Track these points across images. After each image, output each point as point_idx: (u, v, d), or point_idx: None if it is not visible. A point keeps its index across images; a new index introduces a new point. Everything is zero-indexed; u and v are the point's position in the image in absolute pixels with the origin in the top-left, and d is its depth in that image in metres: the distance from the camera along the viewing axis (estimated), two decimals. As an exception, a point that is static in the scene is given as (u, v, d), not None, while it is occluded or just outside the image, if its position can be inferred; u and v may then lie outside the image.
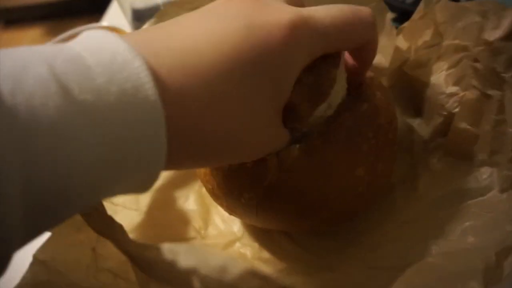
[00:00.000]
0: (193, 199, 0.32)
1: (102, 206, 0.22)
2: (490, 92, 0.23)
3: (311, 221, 0.25)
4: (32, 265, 0.22)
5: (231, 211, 0.26)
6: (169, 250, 0.23)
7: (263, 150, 0.21)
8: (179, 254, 0.24)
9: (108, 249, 0.23)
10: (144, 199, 0.32)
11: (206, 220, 0.31)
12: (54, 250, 0.23)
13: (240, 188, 0.24)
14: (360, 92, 0.24)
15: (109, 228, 0.22)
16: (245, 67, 0.17)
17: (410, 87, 0.30)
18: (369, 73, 0.26)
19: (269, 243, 0.28)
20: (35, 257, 0.22)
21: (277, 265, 0.27)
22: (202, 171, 0.27)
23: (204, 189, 0.29)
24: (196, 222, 0.31)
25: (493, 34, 0.22)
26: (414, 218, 0.25)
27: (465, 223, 0.23)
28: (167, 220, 0.31)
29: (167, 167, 0.17)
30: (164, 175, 0.33)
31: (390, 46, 0.29)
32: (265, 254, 0.28)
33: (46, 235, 0.23)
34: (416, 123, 0.30)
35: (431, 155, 0.28)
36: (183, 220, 0.31)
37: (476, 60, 0.24)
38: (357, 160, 0.23)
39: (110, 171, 0.14)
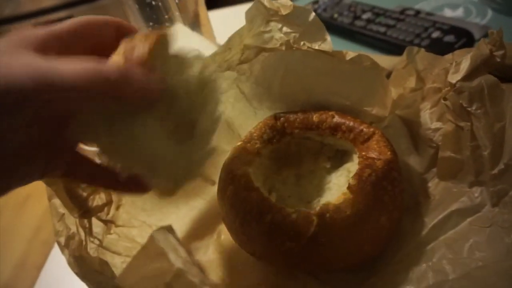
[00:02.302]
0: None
1: None
2: (461, 124, 0.27)
3: (343, 265, 0.28)
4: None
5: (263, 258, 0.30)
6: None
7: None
8: None
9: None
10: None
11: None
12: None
13: (283, 238, 0.27)
14: (369, 147, 0.30)
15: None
16: None
17: (403, 126, 0.34)
18: (375, 131, 0.31)
19: (293, 284, 0.30)
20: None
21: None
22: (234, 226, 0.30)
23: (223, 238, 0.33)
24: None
25: (454, 77, 0.27)
26: (423, 242, 0.28)
27: (470, 240, 0.26)
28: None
29: None
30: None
31: (387, 98, 0.34)
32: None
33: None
34: (411, 159, 0.33)
35: (428, 183, 0.31)
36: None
37: (445, 99, 0.28)
38: (381, 211, 0.27)
39: None
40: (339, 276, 0.29)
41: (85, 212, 0.31)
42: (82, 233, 0.30)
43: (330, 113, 0.35)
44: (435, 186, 0.31)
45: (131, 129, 0.22)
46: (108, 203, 0.33)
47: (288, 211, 0.28)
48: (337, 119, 0.34)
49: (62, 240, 0.28)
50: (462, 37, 0.46)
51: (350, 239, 0.27)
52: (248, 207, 0.30)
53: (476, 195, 0.27)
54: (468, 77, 0.26)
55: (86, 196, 0.31)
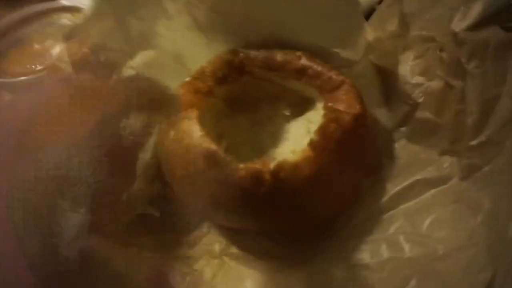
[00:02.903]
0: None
1: None
2: (453, 82, 0.24)
3: (295, 227, 0.26)
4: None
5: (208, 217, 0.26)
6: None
7: None
8: None
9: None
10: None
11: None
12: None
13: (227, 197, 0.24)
14: (337, 97, 0.25)
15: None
16: None
17: (376, 76, 0.30)
18: (345, 80, 0.27)
19: (238, 239, 0.27)
20: None
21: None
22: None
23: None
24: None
25: (459, 25, 0.22)
26: (381, 209, 0.25)
27: (431, 214, 0.24)
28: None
29: None
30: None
31: (361, 40, 0.29)
32: (234, 250, 0.27)
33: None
34: (380, 112, 0.30)
35: (394, 143, 0.29)
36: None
37: (441, 50, 0.24)
38: (344, 172, 0.24)
39: None
40: (290, 237, 0.27)
41: None
42: None
43: (297, 53, 0.30)
44: (401, 147, 0.28)
45: None
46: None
47: (236, 165, 0.24)
48: (304, 61, 0.29)
49: None
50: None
51: (306, 201, 0.24)
52: (191, 157, 0.25)
53: (445, 165, 0.25)
54: (475, 26, 0.21)
55: None
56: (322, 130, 0.24)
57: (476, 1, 0.22)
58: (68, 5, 0.43)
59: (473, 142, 0.22)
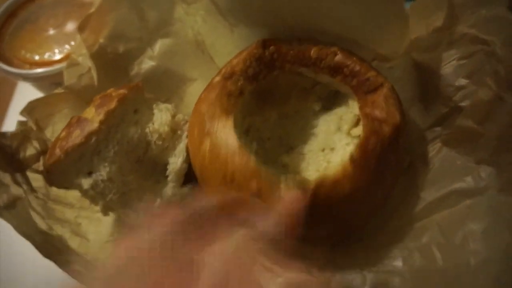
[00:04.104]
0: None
1: None
2: (505, 96, 0.22)
3: (330, 236, 0.26)
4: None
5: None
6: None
7: None
8: None
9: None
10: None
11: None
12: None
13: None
14: (375, 103, 0.24)
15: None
16: None
17: (414, 71, 0.28)
18: (384, 82, 0.25)
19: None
20: None
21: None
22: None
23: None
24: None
25: None
26: (414, 218, 0.25)
27: (466, 226, 0.23)
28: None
29: None
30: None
31: (403, 36, 0.26)
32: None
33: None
34: (413, 110, 0.29)
35: (429, 145, 0.28)
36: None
37: (499, 60, 0.22)
38: (380, 186, 0.24)
39: None
40: (325, 242, 0.27)
41: (17, 166, 0.24)
42: (21, 191, 0.24)
43: (332, 49, 0.27)
44: (436, 151, 0.27)
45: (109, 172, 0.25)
46: (43, 151, 0.26)
47: (276, 179, 0.24)
48: (339, 57, 0.27)
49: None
50: None
51: (344, 214, 0.25)
52: (229, 168, 0.24)
53: (482, 175, 0.24)
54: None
55: (15, 148, 0.24)
56: (363, 146, 0.23)
57: None
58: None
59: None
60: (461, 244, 0.23)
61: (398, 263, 0.25)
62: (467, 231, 0.24)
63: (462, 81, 0.25)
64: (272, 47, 0.28)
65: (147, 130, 0.27)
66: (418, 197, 0.26)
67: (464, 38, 0.25)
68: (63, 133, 0.25)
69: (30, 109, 0.27)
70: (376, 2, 0.25)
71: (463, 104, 0.25)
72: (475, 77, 0.24)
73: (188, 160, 0.28)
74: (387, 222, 0.26)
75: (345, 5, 0.26)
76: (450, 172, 0.26)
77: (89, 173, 0.25)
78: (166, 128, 0.27)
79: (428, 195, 0.26)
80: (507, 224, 0.22)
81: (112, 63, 0.32)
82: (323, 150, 0.30)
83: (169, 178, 0.27)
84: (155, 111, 0.28)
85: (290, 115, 0.32)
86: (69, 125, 0.25)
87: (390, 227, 0.26)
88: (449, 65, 0.26)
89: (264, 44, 0.28)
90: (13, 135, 0.25)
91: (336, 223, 0.25)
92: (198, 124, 0.26)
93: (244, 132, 0.30)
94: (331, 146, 0.29)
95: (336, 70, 0.27)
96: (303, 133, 0.31)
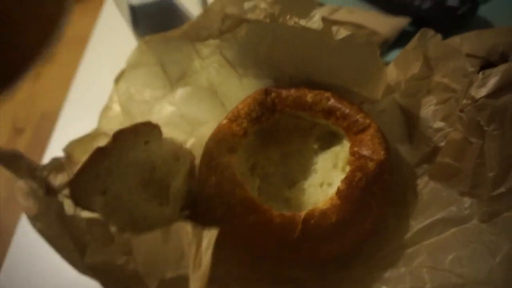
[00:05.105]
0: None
1: None
2: (472, 139, 0.25)
3: (321, 262, 0.29)
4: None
5: (242, 251, 0.29)
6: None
7: None
8: None
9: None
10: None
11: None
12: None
13: (264, 239, 0.27)
14: (362, 142, 0.28)
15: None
16: None
17: (400, 114, 0.32)
18: (371, 123, 0.29)
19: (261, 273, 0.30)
20: None
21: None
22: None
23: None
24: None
25: (479, 92, 0.24)
26: (405, 244, 0.28)
27: (453, 252, 0.26)
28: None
29: None
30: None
31: (381, 80, 0.31)
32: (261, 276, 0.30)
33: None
34: (404, 148, 0.32)
35: (418, 179, 0.31)
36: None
37: (461, 111, 0.26)
38: (366, 216, 0.27)
39: None
40: (315, 268, 0.29)
41: (49, 190, 0.28)
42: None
43: (326, 94, 0.32)
44: (424, 184, 0.30)
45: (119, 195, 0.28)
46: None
47: (273, 214, 0.27)
48: (332, 102, 0.32)
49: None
50: (467, 1, 0.41)
51: (332, 242, 0.27)
52: (231, 202, 0.28)
53: (466, 205, 0.27)
54: (494, 94, 0.23)
55: (47, 175, 0.28)
56: (348, 180, 0.27)
57: (494, 71, 0.23)
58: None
59: (493, 193, 0.24)
60: (448, 268, 0.25)
61: (390, 285, 0.26)
62: (454, 256, 0.26)
63: (440, 124, 0.28)
64: (273, 94, 0.33)
65: (154, 157, 0.31)
66: (408, 225, 0.29)
67: (439, 86, 0.29)
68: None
69: (69, 147, 0.32)
70: (356, 55, 0.30)
71: (441, 144, 0.28)
72: (449, 120, 0.28)
73: (187, 185, 0.31)
74: (381, 249, 0.29)
75: (332, 57, 0.31)
76: (437, 203, 0.28)
77: (104, 192, 0.28)
78: (170, 154, 0.31)
79: (418, 223, 0.28)
80: (489, 251, 0.25)
81: (137, 108, 0.37)
82: (321, 185, 0.33)
83: (170, 200, 0.31)
84: (163, 143, 0.32)
85: (292, 154, 0.35)
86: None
87: (382, 253, 0.28)
88: (429, 109, 0.29)
89: (266, 91, 0.33)
90: (46, 166, 0.28)
91: (326, 249, 0.27)
92: (206, 160, 0.30)
93: (250, 169, 0.33)
94: (329, 181, 0.33)
95: (329, 113, 0.32)
96: (304, 170, 0.34)
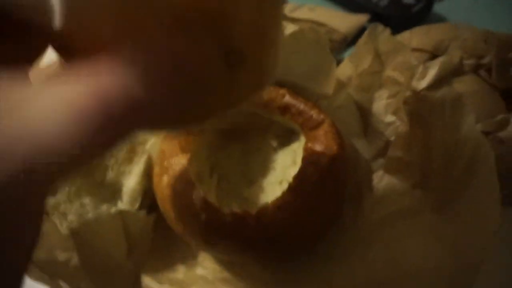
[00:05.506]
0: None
1: None
2: (416, 131, 0.26)
3: (275, 257, 0.28)
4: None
5: (202, 250, 0.29)
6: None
7: None
8: None
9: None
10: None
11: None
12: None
13: (217, 237, 0.26)
14: (316, 137, 0.27)
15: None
16: None
17: (355, 109, 0.32)
18: (325, 119, 0.29)
19: (230, 266, 0.30)
20: None
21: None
22: (171, 215, 0.28)
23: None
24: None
25: (420, 84, 0.25)
26: (362, 237, 0.28)
27: (405, 243, 0.26)
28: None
29: None
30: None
31: (331, 75, 0.31)
32: (226, 275, 0.29)
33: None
34: (360, 143, 0.32)
35: (373, 174, 0.31)
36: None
37: (405, 103, 0.26)
38: (320, 209, 0.27)
39: None
40: (276, 262, 0.29)
41: None
42: None
43: (281, 91, 0.32)
44: (379, 178, 0.30)
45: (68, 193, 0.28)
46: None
47: (224, 212, 0.27)
48: (287, 99, 0.31)
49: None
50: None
51: (288, 237, 0.27)
52: (183, 202, 0.27)
53: (417, 198, 0.27)
54: (434, 85, 0.24)
55: None
56: (299, 175, 0.26)
57: (432, 63, 0.24)
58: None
59: (440, 183, 0.25)
60: (401, 258, 0.26)
61: (346, 275, 0.27)
62: (406, 247, 0.26)
63: (391, 118, 0.29)
64: None
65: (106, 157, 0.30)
66: (364, 218, 0.29)
67: (389, 80, 0.29)
68: None
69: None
70: (306, 50, 0.30)
71: (392, 138, 0.29)
72: (399, 113, 0.28)
73: (142, 184, 0.31)
74: (337, 240, 0.29)
75: (284, 54, 0.31)
76: (391, 196, 0.29)
77: (55, 195, 0.27)
78: (123, 154, 0.30)
79: (373, 217, 0.28)
80: (438, 242, 0.25)
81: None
82: (281, 182, 0.33)
83: (123, 199, 0.30)
84: None
85: (252, 152, 0.35)
86: None
87: (339, 244, 0.29)
88: (381, 103, 0.30)
89: None
90: None
91: (282, 245, 0.27)
92: (159, 161, 0.29)
93: (209, 169, 0.33)
94: (288, 178, 0.33)
95: (285, 109, 0.31)
96: (263, 168, 0.34)
